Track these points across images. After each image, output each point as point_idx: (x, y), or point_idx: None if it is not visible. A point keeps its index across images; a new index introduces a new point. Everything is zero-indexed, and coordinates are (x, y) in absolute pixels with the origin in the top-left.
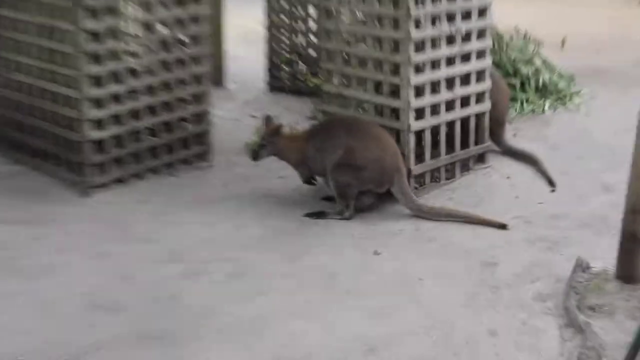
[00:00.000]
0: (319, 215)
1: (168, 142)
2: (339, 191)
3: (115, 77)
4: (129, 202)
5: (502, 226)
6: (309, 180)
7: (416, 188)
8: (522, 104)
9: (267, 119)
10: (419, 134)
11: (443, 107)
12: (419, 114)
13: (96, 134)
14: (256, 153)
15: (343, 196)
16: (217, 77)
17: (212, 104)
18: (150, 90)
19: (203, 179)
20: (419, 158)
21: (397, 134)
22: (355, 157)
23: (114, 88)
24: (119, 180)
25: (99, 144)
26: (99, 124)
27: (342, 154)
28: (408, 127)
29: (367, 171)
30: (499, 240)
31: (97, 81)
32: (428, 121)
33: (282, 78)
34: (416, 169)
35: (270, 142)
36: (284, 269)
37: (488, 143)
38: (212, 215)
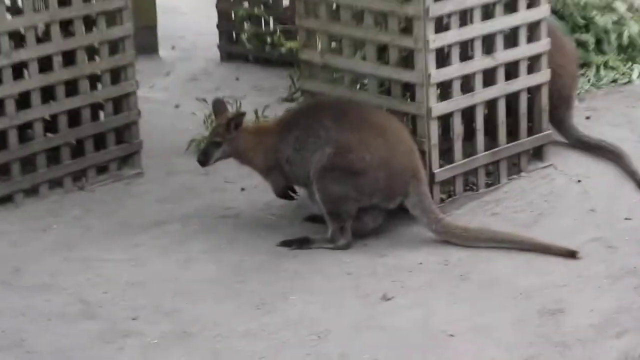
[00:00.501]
0: (300, 243)
1: (74, 142)
2: (329, 208)
3: None
4: (18, 231)
5: (571, 254)
6: (285, 192)
7: (442, 200)
8: (598, 70)
9: (218, 105)
10: (445, 121)
11: (479, 80)
12: (444, 91)
13: None
14: (206, 155)
15: (335, 216)
16: (147, 42)
17: (139, 83)
18: (44, 64)
19: (129, 194)
20: (446, 156)
21: (412, 122)
22: (349, 158)
23: None
24: (3, 200)
25: None
26: None
27: (331, 153)
28: (428, 112)
29: (368, 178)
30: (566, 275)
31: None
32: (457, 102)
33: (242, 42)
34: (441, 173)
35: (225, 138)
36: (249, 326)
37: (548, 131)
38: (142, 248)
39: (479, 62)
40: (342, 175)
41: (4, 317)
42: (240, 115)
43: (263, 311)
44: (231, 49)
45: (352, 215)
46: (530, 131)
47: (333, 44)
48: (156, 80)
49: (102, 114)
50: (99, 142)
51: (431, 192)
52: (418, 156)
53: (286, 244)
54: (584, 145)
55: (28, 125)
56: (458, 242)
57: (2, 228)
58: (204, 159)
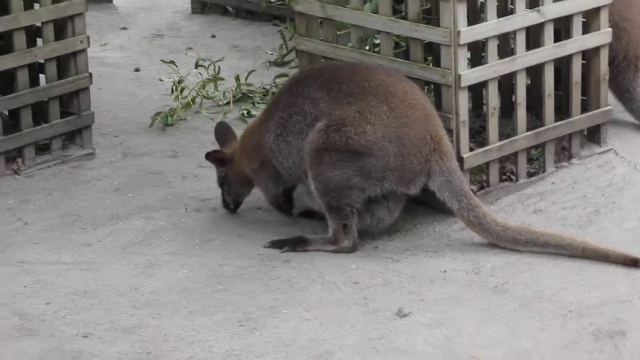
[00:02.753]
0: (295, 244)
1: (6, 113)
2: (328, 201)
3: None
4: None
5: (635, 262)
6: (279, 203)
7: (473, 193)
8: None
9: (222, 132)
10: (478, 93)
11: (521, 41)
12: (477, 54)
13: None
14: (224, 202)
15: (337, 210)
16: None
17: (89, 39)
18: None
19: (77, 180)
20: (477, 138)
21: (435, 93)
22: (347, 134)
23: None
24: None
25: None
26: None
27: (324, 130)
28: (456, 80)
29: (375, 157)
30: (628, 288)
31: None
32: (493, 68)
33: None
34: (472, 159)
35: (224, 177)
36: (231, 347)
37: (608, 107)
38: (94, 248)
39: (522, 18)
40: (340, 157)
41: None
42: (212, 154)
43: (248, 328)
44: None
45: (358, 208)
46: (585, 107)
47: None
48: (110, 36)
49: (42, 79)
50: (39, 114)
51: None
52: (439, 123)
53: (277, 244)
54: None
55: None
56: (492, 240)
57: None
58: (226, 207)
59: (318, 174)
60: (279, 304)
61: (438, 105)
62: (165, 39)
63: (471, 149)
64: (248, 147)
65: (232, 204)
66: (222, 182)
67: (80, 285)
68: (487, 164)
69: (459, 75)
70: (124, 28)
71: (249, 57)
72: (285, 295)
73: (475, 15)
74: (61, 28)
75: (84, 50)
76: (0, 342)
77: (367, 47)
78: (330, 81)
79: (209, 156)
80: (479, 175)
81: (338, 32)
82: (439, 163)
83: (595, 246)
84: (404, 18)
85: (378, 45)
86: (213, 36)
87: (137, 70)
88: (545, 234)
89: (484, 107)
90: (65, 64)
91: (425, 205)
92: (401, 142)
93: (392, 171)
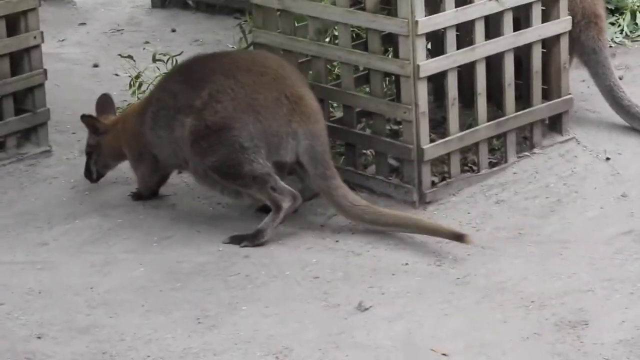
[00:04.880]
0: (252, 238)
1: None
2: (238, 184)
3: None
4: None
5: (459, 237)
6: (150, 195)
7: (434, 184)
8: (634, 18)
9: (103, 103)
10: (437, 83)
11: (480, 30)
12: (436, 44)
13: None
14: (87, 170)
15: (250, 185)
16: None
17: (46, 35)
18: None
19: (32, 178)
20: (438, 129)
21: (396, 84)
22: (205, 118)
23: None
24: None
25: None
26: None
27: (190, 123)
28: (414, 71)
29: (236, 129)
30: (591, 277)
31: None
32: (452, 58)
33: None
34: (432, 150)
35: (93, 144)
36: (188, 345)
37: (569, 96)
38: (49, 247)
39: (480, 7)
40: (207, 142)
41: None
42: (87, 117)
43: (206, 326)
44: None
45: (262, 172)
46: (546, 96)
47: None
48: (68, 31)
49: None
50: None
51: (419, 173)
52: (295, 84)
53: (236, 240)
54: (616, 103)
55: None
56: (340, 213)
57: None
58: (88, 175)
59: (204, 166)
60: (238, 300)
61: (398, 96)
62: (124, 33)
63: (433, 140)
64: (128, 132)
65: (95, 174)
66: (92, 150)
67: (35, 285)
68: (448, 154)
69: (418, 66)
70: (83, 23)
71: (209, 51)
72: (244, 291)
73: (434, 5)
74: (14, 24)
75: (38, 46)
76: None
77: (327, 39)
78: (188, 72)
79: (84, 118)
80: (440, 167)
81: (297, 24)
82: (301, 125)
83: (427, 223)
84: (363, 9)
85: (336, 36)
86: (173, 30)
87: (95, 66)
88: (387, 215)
89: (443, 99)
90: (18, 61)
91: (387, 197)
92: (254, 110)
93: (258, 139)
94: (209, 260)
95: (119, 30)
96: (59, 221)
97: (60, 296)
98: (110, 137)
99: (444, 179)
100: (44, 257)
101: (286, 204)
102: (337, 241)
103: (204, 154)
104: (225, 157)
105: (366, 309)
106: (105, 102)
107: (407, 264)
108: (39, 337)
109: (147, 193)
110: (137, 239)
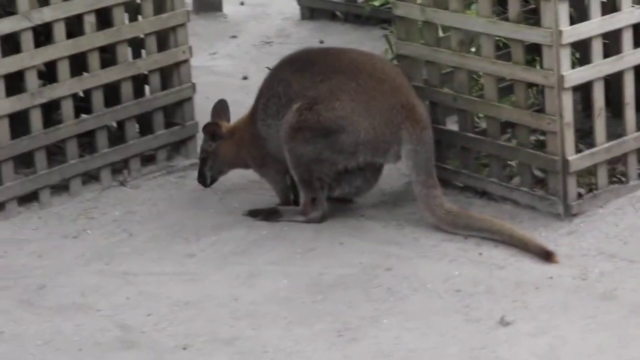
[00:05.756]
0: (268, 214)
1: (114, 125)
2: (300, 174)
3: None
4: (43, 237)
5: (548, 255)
6: (289, 195)
7: (580, 196)
8: None
9: (219, 109)
10: (585, 93)
11: (628, 39)
12: (584, 53)
13: None
14: (200, 175)
15: (307, 184)
16: None
17: (199, 49)
18: (73, 26)
19: (181, 191)
20: (587, 139)
21: (540, 95)
22: (318, 112)
23: None
24: (26, 198)
25: None
26: None
27: (297, 109)
28: (559, 81)
29: (346, 132)
30: None
31: None
32: (599, 67)
33: None
34: (578, 161)
35: (209, 152)
36: (328, 357)
37: None
38: (197, 259)
39: (628, 15)
40: (313, 134)
41: (22, 345)
42: (210, 124)
43: (346, 339)
44: (314, 4)
45: (328, 182)
46: None
47: None
48: (219, 44)
49: (147, 90)
50: (144, 125)
51: (564, 185)
52: (410, 93)
53: (253, 214)
54: None
55: (55, 104)
56: (434, 222)
57: (24, 234)
58: (201, 181)
59: (291, 148)
60: (379, 313)
61: (542, 106)
62: (274, 45)
63: (580, 151)
64: (245, 139)
65: (209, 179)
66: (207, 156)
67: (182, 296)
68: (595, 165)
69: (562, 76)
70: (234, 36)
71: None
72: (385, 304)
73: (579, 13)
74: (164, 39)
75: (186, 61)
76: (101, 354)
77: (473, 49)
78: (304, 64)
79: (207, 127)
80: (587, 178)
81: (438, 35)
82: (409, 130)
83: (520, 234)
84: (506, 19)
85: (479, 47)
86: (321, 41)
87: (245, 78)
88: (481, 220)
89: (590, 109)
90: (168, 75)
91: (532, 209)
92: (371, 115)
93: (365, 144)
94: (350, 272)
95: (268, 43)
96: (206, 232)
97: (205, 307)
98: (227, 145)
99: (590, 190)
100: (191, 269)
101: (311, 216)
102: (480, 254)
103: (301, 141)
104: (316, 153)
105: (508, 324)
106: (221, 108)
107: (551, 277)
108: (184, 348)
109: (283, 195)
110: (281, 250)
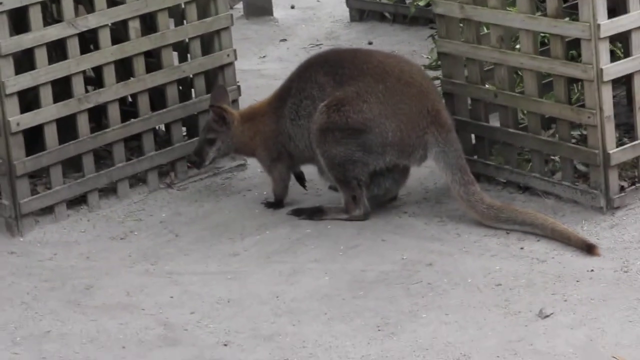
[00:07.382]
0: (312, 213)
1: (162, 128)
2: (336, 175)
3: None
4: (91, 239)
5: (590, 248)
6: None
7: (622, 189)
8: None
9: (218, 94)
10: (626, 86)
11: None
12: (624, 45)
13: (22, 120)
14: (200, 154)
15: (345, 183)
16: (259, 1)
17: (243, 53)
18: (118, 32)
19: (228, 192)
20: (630, 134)
21: (580, 89)
22: (346, 113)
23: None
24: (74, 201)
25: (30, 136)
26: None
27: (325, 110)
28: (598, 74)
29: (373, 133)
30: None
31: None
32: (638, 60)
33: None
34: (620, 154)
35: (219, 134)
36: (368, 352)
37: None
38: (240, 257)
39: None
40: (342, 134)
41: (70, 344)
42: (219, 107)
43: (385, 333)
44: (363, 5)
45: (364, 180)
46: None
47: None
48: (269, 48)
49: (193, 93)
50: (191, 128)
51: (606, 178)
52: (436, 98)
53: (297, 213)
54: None
55: (101, 108)
56: (477, 217)
57: (72, 236)
58: (199, 160)
59: (324, 151)
60: (418, 308)
61: (582, 101)
62: (323, 48)
63: (623, 144)
64: (261, 134)
65: (209, 161)
66: (217, 137)
67: (225, 294)
68: (637, 159)
69: (601, 70)
70: (284, 39)
71: None
72: (425, 299)
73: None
74: (208, 43)
75: (231, 64)
76: (144, 352)
77: (517, 46)
78: (334, 66)
79: (216, 109)
80: (630, 171)
81: (478, 32)
82: (434, 135)
83: (562, 228)
84: (544, 15)
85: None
86: (370, 43)
87: None
88: (523, 213)
89: (632, 102)
90: (213, 78)
91: (574, 203)
92: (398, 118)
93: (392, 146)
94: (392, 268)
95: (317, 45)
96: (251, 232)
97: (247, 305)
98: (240, 131)
99: (633, 183)
100: (235, 267)
101: (354, 213)
102: (521, 248)
103: (332, 142)
104: (348, 153)
105: (547, 316)
106: (220, 94)
107: (592, 270)
108: (225, 345)
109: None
110: (324, 248)
